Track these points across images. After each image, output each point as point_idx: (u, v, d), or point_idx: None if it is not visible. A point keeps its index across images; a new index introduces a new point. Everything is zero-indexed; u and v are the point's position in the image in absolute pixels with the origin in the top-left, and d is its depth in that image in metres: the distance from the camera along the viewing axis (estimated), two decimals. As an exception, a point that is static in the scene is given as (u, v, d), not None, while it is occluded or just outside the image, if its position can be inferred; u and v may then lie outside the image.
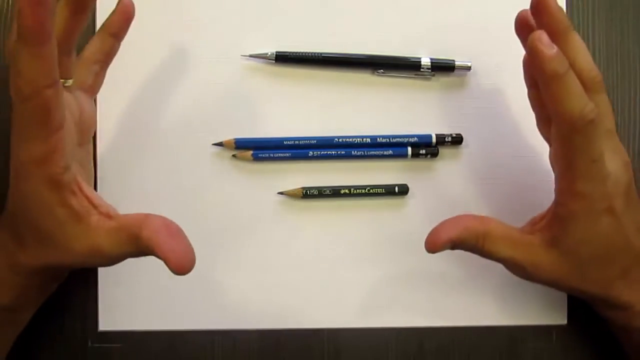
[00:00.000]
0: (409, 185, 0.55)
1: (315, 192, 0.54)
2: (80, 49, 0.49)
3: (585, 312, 0.54)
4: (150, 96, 0.53)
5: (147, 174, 0.54)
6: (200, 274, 0.54)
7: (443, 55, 0.56)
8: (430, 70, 0.55)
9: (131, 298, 0.54)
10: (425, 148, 0.55)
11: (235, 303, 0.55)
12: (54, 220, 0.43)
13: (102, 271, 0.54)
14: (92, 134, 0.52)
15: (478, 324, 0.56)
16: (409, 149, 0.55)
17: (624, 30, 0.58)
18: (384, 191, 0.55)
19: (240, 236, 0.55)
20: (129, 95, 0.54)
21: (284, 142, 0.54)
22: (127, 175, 0.54)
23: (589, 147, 0.43)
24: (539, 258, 0.48)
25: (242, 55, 0.55)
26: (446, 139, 0.55)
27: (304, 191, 0.54)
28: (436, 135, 0.55)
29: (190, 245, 0.44)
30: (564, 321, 0.56)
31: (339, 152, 0.55)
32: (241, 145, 0.54)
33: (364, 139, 0.55)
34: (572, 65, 0.43)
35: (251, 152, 0.54)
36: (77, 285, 0.54)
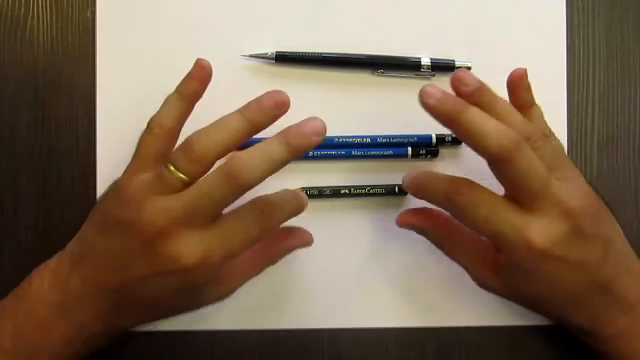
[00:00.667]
0: (409, 186, 0.55)
1: (315, 192, 0.54)
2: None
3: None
4: (151, 96, 0.53)
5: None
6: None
7: (443, 55, 0.56)
8: (430, 70, 0.55)
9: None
10: (425, 148, 0.55)
11: (235, 303, 0.55)
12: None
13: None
14: None
15: (478, 324, 0.56)
16: (409, 149, 0.55)
17: (624, 30, 0.58)
18: (384, 191, 0.55)
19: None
20: (129, 96, 0.54)
21: (284, 142, 0.54)
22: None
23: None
24: (490, 278, 0.50)
25: (242, 55, 0.55)
26: (446, 139, 0.55)
27: (304, 191, 0.54)
28: (436, 135, 0.55)
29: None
30: (562, 322, 0.56)
31: (339, 152, 0.55)
32: (241, 145, 0.54)
33: (364, 139, 0.55)
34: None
35: (251, 151, 0.54)
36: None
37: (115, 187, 0.47)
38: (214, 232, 0.44)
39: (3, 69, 0.55)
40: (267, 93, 0.45)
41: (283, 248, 0.52)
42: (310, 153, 0.54)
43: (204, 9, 0.55)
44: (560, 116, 0.57)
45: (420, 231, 0.53)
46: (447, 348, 0.56)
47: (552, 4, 0.57)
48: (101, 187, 0.54)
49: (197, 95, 0.48)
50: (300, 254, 0.55)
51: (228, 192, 0.43)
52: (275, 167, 0.43)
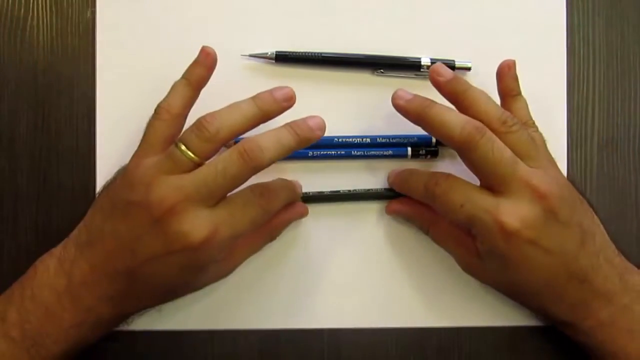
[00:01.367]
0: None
1: (317, 195, 0.55)
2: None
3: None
4: (151, 96, 0.53)
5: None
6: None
7: (443, 55, 0.56)
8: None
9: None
10: (425, 148, 0.55)
11: (235, 303, 0.55)
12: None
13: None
14: None
15: (478, 324, 0.56)
16: (409, 149, 0.55)
17: (624, 30, 0.58)
18: (384, 193, 0.55)
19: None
20: (129, 95, 0.54)
21: (284, 142, 0.54)
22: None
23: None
24: (474, 264, 0.52)
25: (242, 55, 0.55)
26: (446, 139, 0.55)
27: (304, 194, 0.55)
28: (435, 136, 0.55)
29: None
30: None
31: (339, 152, 0.55)
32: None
33: (364, 139, 0.55)
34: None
35: (251, 151, 0.54)
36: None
37: (124, 172, 0.48)
38: (222, 211, 0.45)
39: (3, 69, 0.55)
40: (277, 87, 0.47)
41: (280, 222, 0.53)
42: (310, 153, 0.54)
43: (204, 9, 0.55)
44: (560, 116, 0.57)
45: (407, 218, 0.55)
46: (447, 348, 0.56)
47: (552, 4, 0.57)
48: (101, 187, 0.54)
49: (203, 81, 0.50)
50: (301, 254, 0.55)
51: (241, 170, 0.44)
52: (284, 152, 0.46)
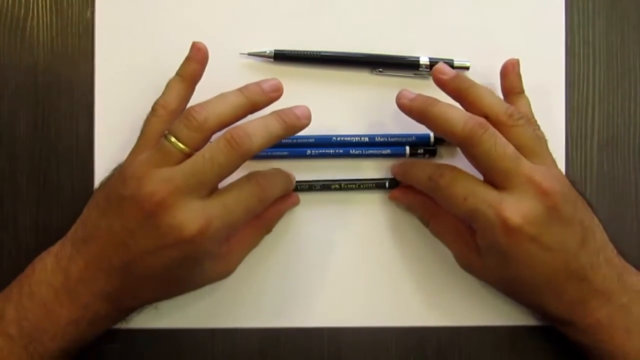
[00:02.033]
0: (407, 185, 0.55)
1: (306, 187, 0.55)
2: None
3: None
4: (149, 94, 0.53)
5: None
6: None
7: (442, 54, 0.56)
8: (429, 70, 0.55)
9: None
10: (424, 147, 0.55)
11: (235, 302, 0.55)
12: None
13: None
14: None
15: (478, 324, 0.56)
16: (407, 148, 0.55)
17: (624, 30, 0.58)
18: (374, 185, 0.55)
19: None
20: (128, 95, 0.54)
21: (282, 141, 0.54)
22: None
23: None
24: (473, 261, 0.51)
25: (240, 54, 0.55)
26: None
27: (296, 185, 0.55)
28: (434, 134, 0.55)
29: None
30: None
31: (337, 151, 0.55)
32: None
33: (362, 138, 0.55)
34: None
35: (249, 150, 0.54)
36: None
37: (120, 169, 0.48)
38: (215, 201, 0.45)
39: (3, 69, 0.55)
40: (264, 79, 0.48)
41: (276, 212, 0.54)
42: (309, 151, 0.55)
43: (203, 7, 0.55)
44: (559, 116, 0.57)
45: (409, 207, 0.55)
46: (447, 348, 0.56)
47: (552, 4, 0.57)
48: (98, 184, 0.54)
49: (196, 76, 0.50)
50: (300, 252, 0.55)
51: (230, 158, 0.44)
52: (272, 139, 0.46)
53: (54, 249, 0.49)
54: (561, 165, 0.56)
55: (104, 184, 0.50)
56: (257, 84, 0.48)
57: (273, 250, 0.55)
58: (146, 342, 0.55)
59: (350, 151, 0.55)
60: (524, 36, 0.57)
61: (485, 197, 0.47)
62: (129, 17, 0.55)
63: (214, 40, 0.54)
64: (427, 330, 0.56)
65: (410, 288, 0.56)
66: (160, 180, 0.44)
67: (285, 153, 0.54)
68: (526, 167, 0.47)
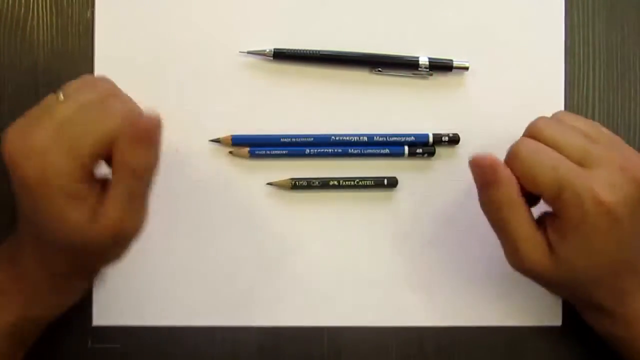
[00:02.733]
0: (406, 185, 0.55)
1: (304, 184, 0.55)
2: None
3: (579, 314, 0.53)
4: (148, 92, 0.53)
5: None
6: (199, 270, 0.54)
7: (441, 54, 0.56)
8: (428, 70, 0.55)
9: (127, 294, 0.55)
10: (422, 147, 0.55)
11: (235, 300, 0.55)
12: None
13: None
14: None
15: (478, 324, 0.56)
16: (406, 148, 0.55)
17: (624, 30, 0.58)
18: (372, 183, 0.55)
19: (237, 232, 0.55)
20: (127, 92, 0.54)
21: (281, 140, 0.54)
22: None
23: None
24: (539, 253, 0.48)
25: (240, 52, 0.55)
26: (443, 139, 0.55)
27: (293, 182, 0.54)
28: (433, 134, 0.55)
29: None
30: (559, 322, 0.56)
31: (335, 150, 0.55)
32: (238, 141, 0.54)
33: (361, 138, 0.55)
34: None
35: (248, 148, 0.54)
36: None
37: None
38: (55, 137, 0.43)
39: (3, 69, 0.55)
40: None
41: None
42: (307, 151, 0.55)
43: (202, 7, 0.55)
44: (559, 116, 0.57)
45: (482, 169, 0.49)
46: (447, 348, 0.56)
47: (552, 3, 0.57)
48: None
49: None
50: (300, 252, 0.55)
51: None
52: None
53: None
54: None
55: None
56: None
57: (272, 249, 0.55)
58: (146, 340, 0.55)
59: (349, 150, 0.55)
60: (524, 36, 0.57)
61: (575, 170, 0.45)
62: (129, 17, 0.55)
63: (214, 39, 0.55)
64: (427, 330, 0.56)
65: (410, 288, 0.56)
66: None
67: (284, 152, 0.54)
68: (612, 155, 0.46)
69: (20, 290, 0.47)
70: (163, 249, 0.54)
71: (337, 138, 0.55)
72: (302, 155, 0.55)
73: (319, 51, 0.55)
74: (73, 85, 0.47)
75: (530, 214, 0.48)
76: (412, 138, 0.55)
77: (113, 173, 0.44)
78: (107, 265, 0.50)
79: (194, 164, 0.55)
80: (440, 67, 0.56)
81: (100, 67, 0.55)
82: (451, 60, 0.56)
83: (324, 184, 0.55)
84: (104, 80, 0.48)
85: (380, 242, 0.56)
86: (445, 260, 0.55)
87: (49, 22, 0.55)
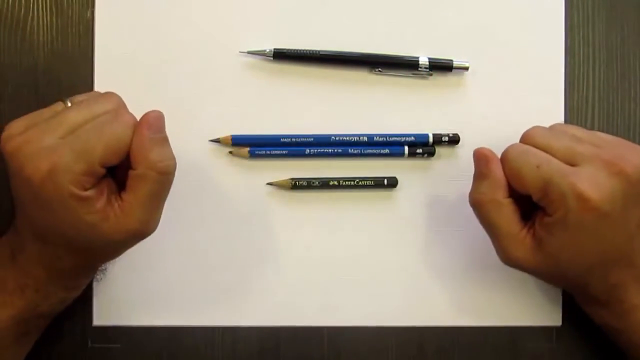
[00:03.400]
0: (406, 185, 0.55)
1: (304, 184, 0.55)
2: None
3: (579, 314, 0.53)
4: (148, 92, 0.53)
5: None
6: (199, 270, 0.54)
7: (441, 54, 0.56)
8: (428, 70, 0.55)
9: (127, 294, 0.55)
10: (422, 147, 0.55)
11: (235, 300, 0.55)
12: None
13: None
14: None
15: (478, 324, 0.56)
16: (406, 148, 0.55)
17: (624, 30, 0.57)
18: (372, 183, 0.55)
19: (237, 232, 0.55)
20: (127, 92, 0.54)
21: (281, 140, 0.54)
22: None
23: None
24: (523, 244, 0.49)
25: (240, 52, 0.55)
26: (443, 139, 0.55)
27: (293, 182, 0.54)
28: (433, 134, 0.55)
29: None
30: (559, 322, 0.56)
31: (335, 150, 0.55)
32: (238, 141, 0.54)
33: (361, 138, 0.55)
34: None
35: (248, 149, 0.54)
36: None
37: None
38: (67, 139, 0.44)
39: (3, 69, 0.55)
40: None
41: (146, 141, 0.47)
42: (307, 151, 0.55)
43: (202, 7, 0.55)
44: (558, 117, 0.57)
45: (483, 161, 0.51)
46: (447, 348, 0.56)
47: (552, 3, 0.57)
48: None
49: None
50: (301, 251, 0.55)
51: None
52: None
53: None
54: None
55: None
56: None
57: (272, 249, 0.55)
58: (146, 340, 0.55)
59: (349, 150, 0.55)
60: (524, 36, 0.57)
61: (559, 168, 0.46)
62: (129, 17, 0.55)
63: (214, 39, 0.55)
64: (427, 330, 0.56)
65: (410, 288, 0.56)
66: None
67: (284, 152, 0.54)
68: (598, 150, 0.47)
69: (23, 286, 0.47)
70: (163, 249, 0.54)
71: (337, 138, 0.55)
72: (302, 155, 0.55)
73: (319, 51, 0.55)
74: (82, 97, 0.49)
75: (516, 212, 0.49)
76: (412, 138, 0.55)
77: (133, 174, 0.45)
78: (111, 260, 0.52)
79: (194, 164, 0.54)
80: (440, 67, 0.56)
81: (100, 67, 0.55)
82: (451, 60, 0.56)
83: (324, 184, 0.55)
84: (114, 94, 0.48)
85: (380, 242, 0.56)
86: (444, 260, 0.55)
87: (49, 22, 0.55)
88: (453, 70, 0.56)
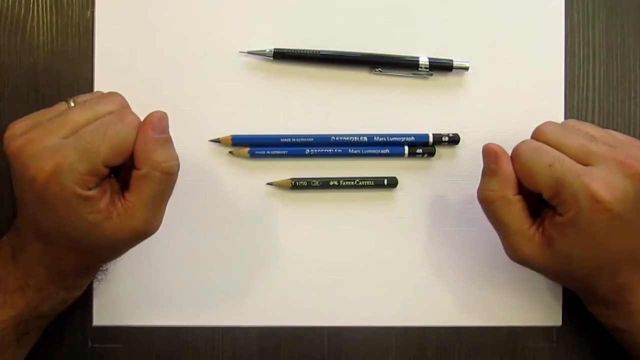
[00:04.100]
0: (406, 185, 0.55)
1: (304, 184, 0.55)
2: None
3: (579, 314, 0.54)
4: (148, 92, 0.53)
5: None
6: (199, 270, 0.54)
7: (441, 54, 0.56)
8: (428, 70, 0.55)
9: (127, 294, 0.55)
10: (422, 147, 0.55)
11: (235, 300, 0.55)
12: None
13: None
14: None
15: (478, 324, 0.56)
16: (406, 148, 0.55)
17: (624, 30, 0.57)
18: (372, 183, 0.55)
19: (237, 232, 0.55)
20: (127, 92, 0.54)
21: (281, 140, 0.54)
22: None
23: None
24: (532, 241, 0.49)
25: (240, 52, 0.55)
26: (443, 139, 0.55)
27: (293, 182, 0.54)
28: (433, 134, 0.55)
29: None
30: (559, 322, 0.56)
31: (335, 150, 0.55)
32: (238, 142, 0.54)
33: (361, 138, 0.55)
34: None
35: (248, 149, 0.54)
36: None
37: None
38: (70, 140, 0.44)
39: (3, 69, 0.55)
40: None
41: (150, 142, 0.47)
42: (307, 151, 0.55)
43: (202, 7, 0.55)
44: (558, 117, 0.56)
45: (491, 157, 0.50)
46: (447, 348, 0.56)
47: (552, 3, 0.57)
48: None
49: None
50: (301, 251, 0.55)
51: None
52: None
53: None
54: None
55: None
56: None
57: (272, 249, 0.55)
58: (146, 340, 0.55)
59: (349, 150, 0.55)
60: (524, 36, 0.57)
61: (572, 167, 0.46)
62: (129, 17, 0.55)
63: (214, 39, 0.55)
64: (427, 330, 0.56)
65: (411, 288, 0.56)
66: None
67: (284, 152, 0.54)
68: (613, 151, 0.46)
69: (24, 286, 0.47)
70: (163, 249, 0.54)
71: (337, 138, 0.55)
72: (302, 155, 0.55)
73: (319, 51, 0.55)
74: (85, 97, 0.48)
75: (525, 209, 0.49)
76: (412, 138, 0.55)
77: (137, 174, 0.45)
78: (113, 260, 0.52)
79: (194, 164, 0.54)
80: (440, 67, 0.56)
81: (100, 67, 0.55)
82: (451, 60, 0.56)
83: (324, 184, 0.55)
84: (118, 95, 0.48)
85: (380, 242, 0.56)
86: (445, 260, 0.55)
87: (49, 22, 0.55)
88: (453, 70, 0.56)
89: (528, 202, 0.49)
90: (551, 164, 0.46)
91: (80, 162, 0.43)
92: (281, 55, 0.55)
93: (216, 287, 0.55)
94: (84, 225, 0.44)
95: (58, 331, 0.54)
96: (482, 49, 0.56)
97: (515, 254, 0.49)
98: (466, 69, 0.56)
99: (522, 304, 0.56)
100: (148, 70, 0.55)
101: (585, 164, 0.46)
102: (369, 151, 0.55)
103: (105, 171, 0.45)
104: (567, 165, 0.46)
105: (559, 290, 0.56)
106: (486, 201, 0.49)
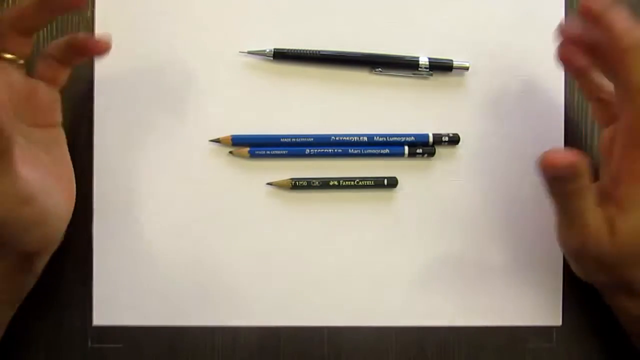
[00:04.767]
0: (406, 185, 0.55)
1: (304, 184, 0.55)
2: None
3: (579, 314, 0.54)
4: (148, 92, 0.53)
5: (143, 169, 0.54)
6: (198, 270, 0.54)
7: (441, 54, 0.56)
8: (428, 70, 0.55)
9: (127, 294, 0.54)
10: (422, 147, 0.55)
11: (235, 299, 0.55)
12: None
13: (98, 266, 0.54)
14: (53, 120, 0.50)
15: (478, 324, 0.56)
16: (406, 148, 0.55)
17: (624, 31, 0.57)
18: (372, 183, 0.55)
19: (237, 232, 0.55)
20: (127, 92, 0.55)
21: (281, 140, 0.54)
22: (124, 170, 0.54)
23: None
24: (600, 233, 0.46)
25: (240, 52, 0.55)
26: (443, 139, 0.55)
27: (293, 182, 0.54)
28: (433, 135, 0.55)
29: None
30: (559, 322, 0.56)
31: (335, 151, 0.55)
32: (238, 141, 0.54)
33: (361, 138, 0.55)
34: None
35: (248, 148, 0.54)
36: (76, 281, 0.54)
37: None
38: None
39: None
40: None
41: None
42: (307, 151, 0.55)
43: (202, 7, 0.55)
44: (558, 117, 0.57)
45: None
46: (447, 348, 0.56)
47: (552, 3, 0.57)
48: (98, 185, 0.54)
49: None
50: (301, 250, 0.55)
51: None
52: None
53: None
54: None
55: None
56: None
57: (272, 249, 0.55)
58: (146, 340, 0.55)
59: (349, 151, 0.55)
60: (524, 36, 0.57)
61: None
62: (129, 17, 0.55)
63: (214, 39, 0.55)
64: (427, 330, 0.56)
65: (410, 288, 0.56)
66: None
67: (284, 152, 0.54)
68: None
69: None
70: (163, 249, 0.54)
71: (337, 138, 0.55)
72: (302, 155, 0.55)
73: (319, 51, 0.55)
74: None
75: (595, 194, 0.45)
76: (412, 138, 0.55)
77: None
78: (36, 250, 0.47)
79: (194, 164, 0.54)
80: (440, 67, 0.56)
81: (100, 67, 0.55)
82: (451, 60, 0.56)
83: (324, 184, 0.55)
84: None
85: (380, 242, 0.56)
86: (445, 260, 0.55)
87: (49, 22, 0.55)
88: (453, 70, 0.56)
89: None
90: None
91: None
92: (281, 55, 0.55)
93: (216, 287, 0.55)
94: None
95: (58, 331, 0.54)
96: (482, 49, 0.57)
97: (585, 244, 0.46)
98: (466, 69, 0.56)
99: (522, 304, 0.56)
100: (148, 70, 0.55)
101: None
102: (369, 151, 0.55)
103: None
104: None
105: (559, 290, 0.56)
106: (563, 198, 0.46)
